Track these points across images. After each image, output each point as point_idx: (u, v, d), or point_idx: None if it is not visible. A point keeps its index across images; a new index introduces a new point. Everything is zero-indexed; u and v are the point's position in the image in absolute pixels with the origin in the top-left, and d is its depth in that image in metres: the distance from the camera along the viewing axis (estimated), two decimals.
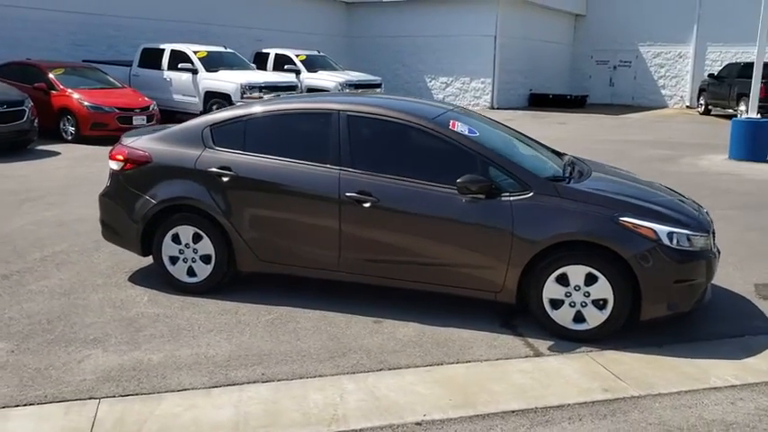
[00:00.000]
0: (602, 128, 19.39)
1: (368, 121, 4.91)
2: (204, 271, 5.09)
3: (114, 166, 5.29)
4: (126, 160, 5.21)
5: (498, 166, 4.56)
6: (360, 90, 18.30)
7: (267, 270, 5.06)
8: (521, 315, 4.76)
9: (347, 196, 4.67)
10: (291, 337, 4.45)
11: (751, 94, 13.42)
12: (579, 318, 4.41)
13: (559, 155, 5.54)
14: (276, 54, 20.10)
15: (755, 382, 3.91)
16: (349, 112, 4.88)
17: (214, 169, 4.95)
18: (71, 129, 13.47)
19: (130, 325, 4.58)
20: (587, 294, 4.36)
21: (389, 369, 4.02)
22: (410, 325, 4.64)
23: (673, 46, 29.44)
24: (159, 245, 5.13)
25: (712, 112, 24.19)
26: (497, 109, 25.14)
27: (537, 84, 28.30)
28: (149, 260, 5.38)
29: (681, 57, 29.44)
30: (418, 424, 3.41)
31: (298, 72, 19.16)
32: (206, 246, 5.03)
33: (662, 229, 4.30)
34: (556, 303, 4.43)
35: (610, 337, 4.40)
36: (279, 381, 3.85)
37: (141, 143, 5.25)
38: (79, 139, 13.35)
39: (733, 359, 4.21)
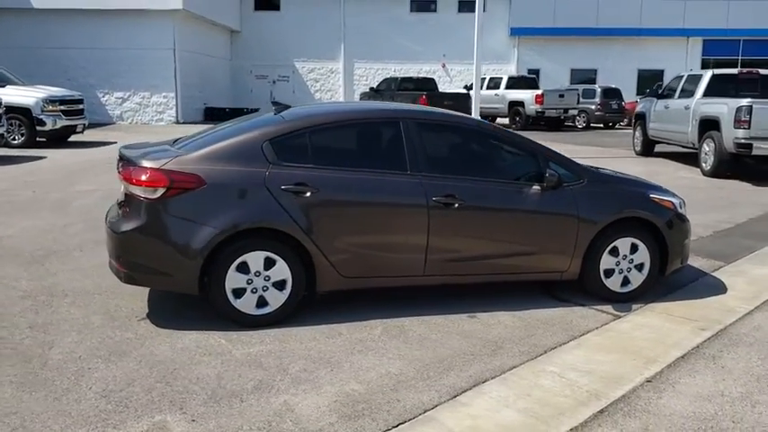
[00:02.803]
0: None
1: (436, 127, 5.09)
2: (278, 299, 4.64)
3: (146, 194, 4.45)
4: (169, 186, 4.43)
5: (557, 160, 5.21)
6: (63, 106, 16.29)
7: (349, 286, 4.85)
8: (557, 289, 5.47)
9: (435, 201, 4.81)
10: (431, 344, 4.45)
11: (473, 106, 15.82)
12: (625, 281, 5.33)
13: None
14: None
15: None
16: (416, 120, 4.99)
17: (290, 186, 4.58)
18: None
19: (280, 365, 4.03)
20: (631, 261, 5.30)
21: (545, 352, 4.39)
22: (500, 314, 5.00)
23: (325, 62, 32.29)
24: (221, 278, 4.51)
25: None
26: (183, 123, 24.56)
27: (208, 98, 28.31)
28: (137, 301, 4.65)
29: (332, 72, 32.44)
30: (648, 381, 3.94)
31: None
32: (281, 270, 4.60)
33: (675, 200, 5.47)
34: (608, 273, 5.28)
35: (645, 294, 5.40)
36: (501, 377, 3.95)
37: (184, 165, 4.52)
38: None
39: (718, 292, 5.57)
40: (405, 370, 4.03)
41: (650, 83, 31.40)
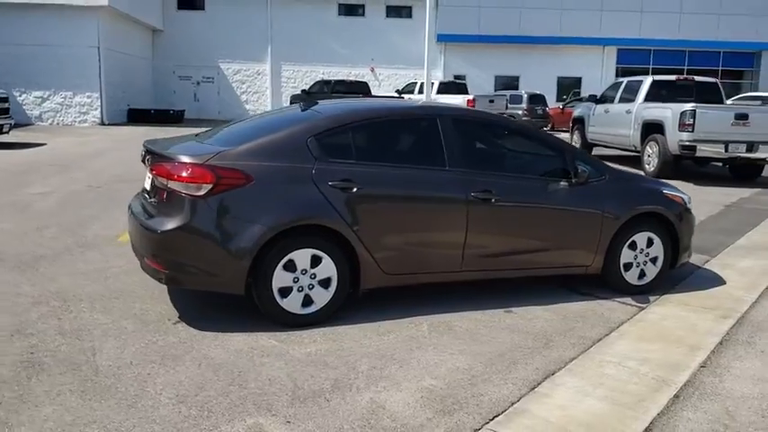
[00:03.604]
0: None
1: (470, 123, 5.13)
2: (323, 297, 4.54)
3: (190, 190, 4.26)
4: (216, 183, 4.26)
5: (581, 158, 5.36)
6: None
7: (391, 283, 4.80)
8: (575, 283, 5.62)
9: (473, 196, 4.85)
10: (483, 338, 4.48)
11: None
12: (642, 274, 5.54)
13: None
14: None
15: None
16: (452, 116, 5.01)
17: (337, 183, 4.49)
18: None
19: (347, 363, 3.94)
20: (647, 255, 5.51)
21: (593, 344, 4.49)
22: (534, 309, 5.08)
23: (251, 64, 31.77)
24: (268, 277, 4.37)
25: None
26: (109, 125, 23.58)
27: (131, 99, 27.27)
28: (160, 304, 4.48)
29: (259, 74, 31.97)
30: (703, 366, 4.12)
31: None
32: (327, 268, 4.51)
33: (684, 196, 5.73)
34: (627, 266, 5.47)
35: (658, 287, 5.63)
36: (566, 368, 4.02)
37: (229, 160, 4.35)
38: None
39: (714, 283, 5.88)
40: (472, 365, 4.04)
41: (569, 89, 32.78)
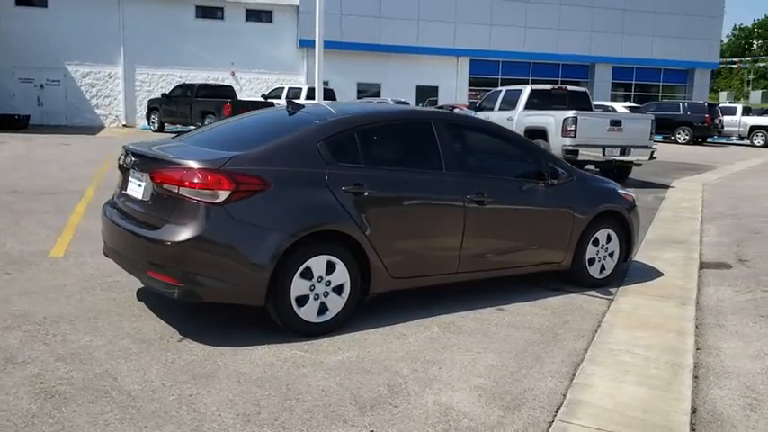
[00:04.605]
0: (96, 148, 18.97)
1: (461, 128, 5.25)
2: (337, 304, 4.45)
3: (205, 197, 4.01)
4: (235, 190, 4.04)
5: (553, 160, 5.64)
6: None
7: (397, 287, 4.78)
8: (542, 280, 5.91)
9: (468, 198, 4.97)
10: (496, 336, 4.59)
11: None
12: (602, 269, 5.94)
13: None
14: None
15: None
16: (445, 121, 5.09)
17: (350, 187, 4.42)
18: None
19: (387, 368, 3.87)
20: (606, 250, 5.92)
21: (593, 335, 4.76)
22: (521, 306, 5.26)
23: (102, 66, 29.87)
24: (287, 286, 4.21)
25: (166, 129, 25.79)
26: None
27: None
28: (148, 320, 4.27)
29: (111, 77, 30.14)
30: (699, 349, 4.51)
31: None
32: (340, 275, 4.42)
33: (632, 194, 6.21)
34: (591, 261, 5.84)
35: (613, 280, 6.06)
36: (587, 358, 4.23)
37: (243, 165, 4.14)
38: None
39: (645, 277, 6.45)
40: (503, 361, 4.14)
41: (427, 97, 34.00)
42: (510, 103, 15.18)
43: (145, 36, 29.83)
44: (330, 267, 4.37)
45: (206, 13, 31.05)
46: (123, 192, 4.67)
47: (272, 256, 4.09)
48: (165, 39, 30.21)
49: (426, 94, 34.14)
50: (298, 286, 4.25)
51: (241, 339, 4.26)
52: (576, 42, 36.18)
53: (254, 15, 31.74)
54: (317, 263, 4.31)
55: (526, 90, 15.00)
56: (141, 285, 5.30)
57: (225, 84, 28.05)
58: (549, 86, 15.38)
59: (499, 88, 16.51)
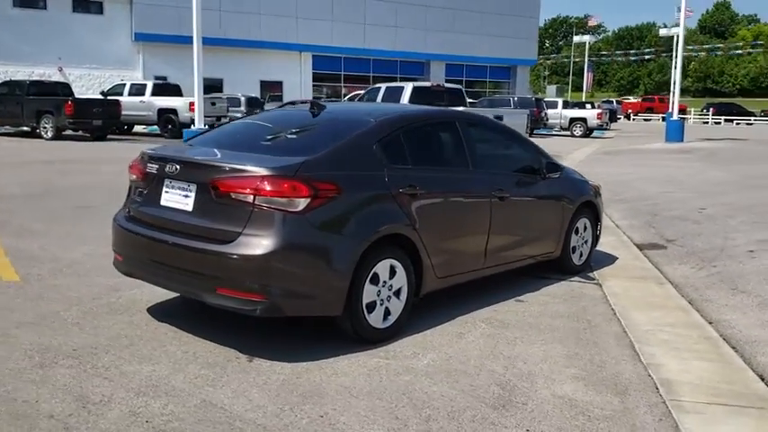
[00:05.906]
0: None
1: (478, 126, 5.33)
2: (397, 308, 4.37)
3: (284, 206, 3.77)
4: (314, 196, 3.83)
5: (544, 155, 5.90)
6: None
7: (439, 287, 4.77)
8: (530, 270, 6.18)
9: (492, 194, 5.10)
10: (540, 326, 4.75)
11: None
12: (580, 255, 6.34)
13: None
14: None
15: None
16: (466, 120, 5.15)
17: (405, 189, 4.36)
18: None
19: (482, 368, 3.87)
20: (583, 237, 6.32)
21: (615, 316, 5.10)
22: (533, 295, 5.48)
23: None
24: (359, 292, 4.08)
25: (1, 131, 23.30)
26: None
27: None
28: (186, 341, 4.07)
29: None
30: (710, 323, 4.99)
31: None
32: (400, 278, 4.35)
33: (596, 184, 6.66)
34: (574, 249, 6.21)
35: (588, 265, 6.48)
36: (634, 339, 4.53)
37: (314, 171, 3.92)
38: None
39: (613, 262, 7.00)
40: (569, 351, 4.31)
41: (270, 92, 33.54)
42: (393, 100, 15.47)
43: None
44: (392, 272, 4.29)
45: (25, 2, 28.24)
46: (154, 203, 4.22)
47: (351, 263, 3.94)
48: None
49: (271, 88, 33.67)
50: (368, 292, 4.13)
51: (310, 353, 4.04)
52: (413, 40, 37.52)
53: (82, 6, 29.45)
54: (383, 267, 4.21)
55: (408, 87, 15.39)
56: (150, 304, 4.85)
57: (60, 81, 25.69)
58: (428, 84, 15.91)
59: (378, 85, 16.78)
